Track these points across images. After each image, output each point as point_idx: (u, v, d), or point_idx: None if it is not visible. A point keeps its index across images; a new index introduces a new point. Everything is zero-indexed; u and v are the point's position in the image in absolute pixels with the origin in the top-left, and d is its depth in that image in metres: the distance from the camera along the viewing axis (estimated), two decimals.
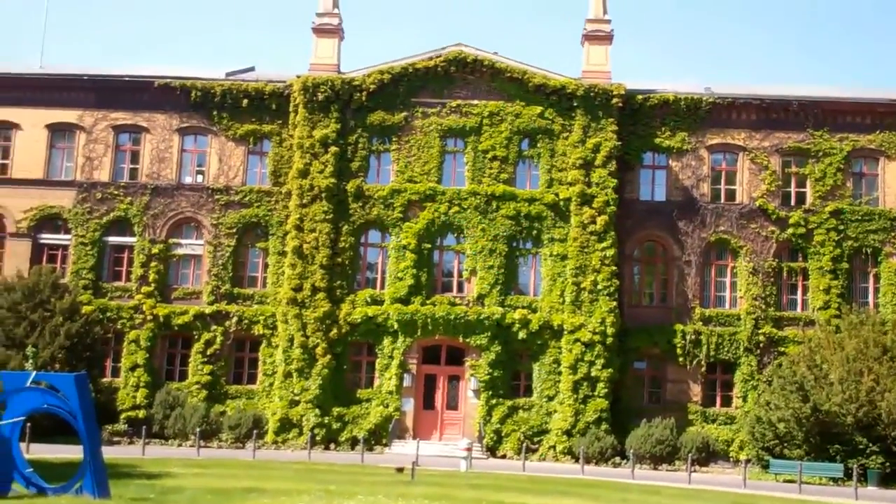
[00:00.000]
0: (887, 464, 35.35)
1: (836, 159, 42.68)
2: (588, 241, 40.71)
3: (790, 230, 42.18)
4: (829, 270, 41.75)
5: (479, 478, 30.48)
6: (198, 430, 37.19)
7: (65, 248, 43.04)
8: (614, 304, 40.35)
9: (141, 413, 40.48)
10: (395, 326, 40.36)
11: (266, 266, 42.70)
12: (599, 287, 40.34)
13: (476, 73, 42.37)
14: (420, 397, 40.77)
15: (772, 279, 42.04)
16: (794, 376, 37.12)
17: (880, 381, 36.20)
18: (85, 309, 40.29)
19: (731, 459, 39.97)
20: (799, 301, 42.34)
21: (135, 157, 43.76)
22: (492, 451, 39.40)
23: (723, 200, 42.94)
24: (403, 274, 40.90)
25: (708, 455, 39.22)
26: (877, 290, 42.08)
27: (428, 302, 40.70)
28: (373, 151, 42.27)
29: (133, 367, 41.45)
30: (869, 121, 43.11)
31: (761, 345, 41.27)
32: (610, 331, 39.97)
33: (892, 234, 42.08)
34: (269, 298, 41.99)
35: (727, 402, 41.63)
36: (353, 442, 39.00)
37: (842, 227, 42.12)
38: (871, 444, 35.49)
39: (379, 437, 39.52)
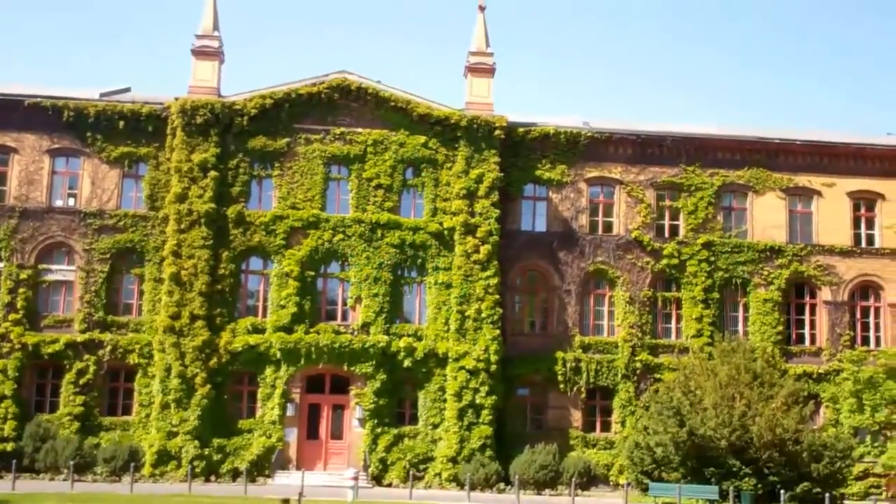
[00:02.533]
0: (759, 485, 37.12)
1: (707, 193, 45.56)
2: (472, 270, 42.25)
3: (664, 261, 44.75)
4: (702, 300, 44.45)
5: None
6: (71, 463, 36.63)
7: None
8: (498, 332, 41.91)
9: (10, 446, 39.56)
10: (278, 355, 40.89)
11: (142, 293, 42.52)
12: (483, 315, 41.85)
13: (360, 100, 43.53)
14: (304, 427, 41.34)
15: (647, 308, 44.47)
16: (670, 402, 38.94)
17: (751, 405, 38.25)
18: None
19: (612, 483, 42.00)
20: (673, 329, 44.89)
21: (2, 178, 42.97)
22: (377, 479, 40.25)
23: (601, 232, 45.19)
24: (286, 302, 41.48)
25: (589, 479, 40.92)
26: (746, 319, 45.01)
27: (312, 330, 41.38)
28: (254, 177, 42.85)
29: (0, 398, 40.47)
30: (738, 157, 46.19)
31: (638, 371, 43.56)
32: (494, 358, 41.45)
33: (760, 265, 45.05)
34: (145, 326, 41.80)
35: (607, 427, 43.70)
36: (235, 473, 39.30)
37: (713, 259, 44.92)
38: (744, 467, 37.18)
39: (262, 468, 39.81)
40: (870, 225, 46.50)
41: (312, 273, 42.22)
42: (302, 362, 40.98)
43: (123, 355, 41.60)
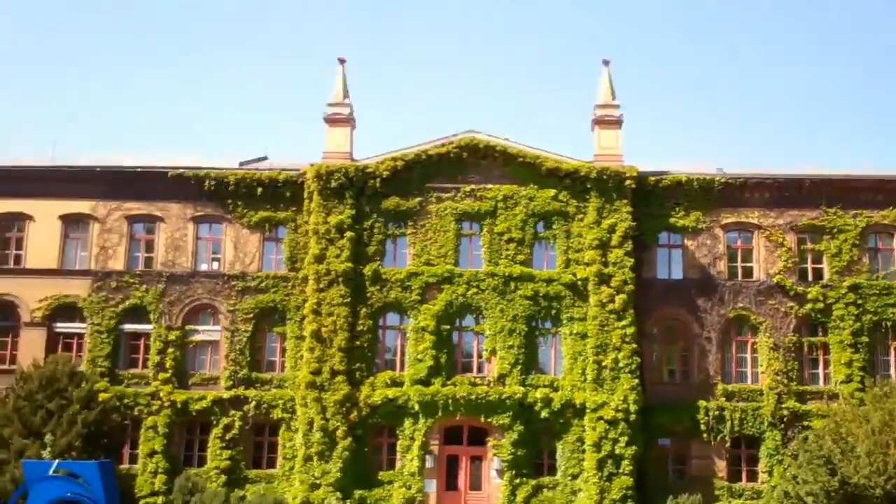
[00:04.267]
0: None
1: (850, 235, 45.46)
2: (607, 319, 43.19)
3: (809, 305, 44.69)
4: (850, 344, 44.09)
5: None
6: None
7: (80, 336, 45.30)
8: (636, 381, 42.54)
9: (160, 500, 42.30)
10: (416, 408, 42.47)
11: (284, 350, 44.98)
12: (621, 365, 42.63)
13: (489, 157, 45.29)
14: (443, 478, 42.65)
15: (793, 354, 44.39)
16: (820, 450, 38.68)
17: None
18: (102, 396, 42.06)
19: None
20: (821, 375, 44.60)
21: (149, 245, 46.37)
22: None
23: (740, 277, 45.50)
24: (423, 355, 43.16)
25: None
26: None
27: (448, 382, 42.86)
28: (389, 236, 44.96)
29: (151, 454, 43.39)
30: (881, 197, 45.98)
31: (785, 419, 43.37)
32: (633, 408, 42.05)
33: None
34: (287, 382, 44.17)
35: (753, 476, 43.49)
36: None
37: (860, 302, 44.62)
38: None
39: None
40: None
41: (448, 327, 43.83)
42: (440, 414, 42.42)
43: (267, 411, 43.94)
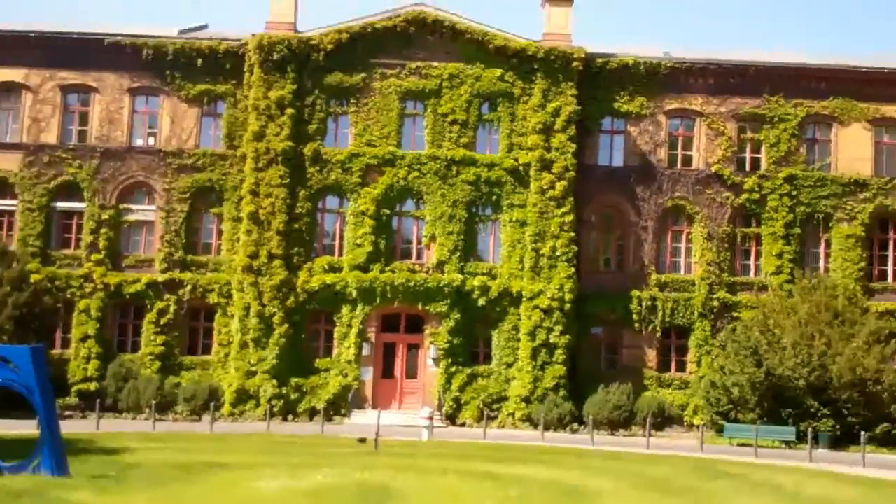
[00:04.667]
0: (837, 426, 36.03)
1: (790, 125, 42.90)
2: (547, 206, 40.52)
3: (744, 196, 42.44)
4: (782, 236, 42.17)
5: (442, 447, 30.63)
6: (153, 402, 36.24)
7: (10, 214, 41.50)
8: (572, 270, 40.32)
9: (93, 386, 39.52)
10: (354, 294, 39.96)
11: (221, 232, 41.80)
12: (558, 253, 40.25)
13: (436, 34, 41.61)
14: (379, 366, 40.61)
15: (726, 245, 42.38)
16: (748, 341, 37.58)
17: (832, 344, 36.99)
18: (33, 278, 38.98)
19: (686, 424, 40.56)
20: (752, 266, 42.78)
21: (83, 118, 42.24)
22: (451, 419, 39.47)
23: (679, 166, 43.01)
24: (362, 241, 40.38)
25: (663, 420, 39.51)
26: (828, 256, 42.66)
27: (387, 269, 40.31)
28: (330, 114, 41.46)
29: (84, 338, 40.38)
30: (824, 86, 43.28)
31: (715, 310, 41.67)
32: (568, 297, 39.97)
33: (844, 199, 42.50)
34: (223, 266, 41.17)
35: (682, 367, 42.11)
36: (312, 413, 38.69)
37: (795, 193, 42.45)
38: (822, 408, 36.17)
39: (338, 407, 39.16)
40: None
41: (388, 211, 40.98)
42: (377, 301, 40.02)
43: (203, 295, 41.08)
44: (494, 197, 41.12)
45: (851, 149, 42.97)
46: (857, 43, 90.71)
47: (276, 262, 39.71)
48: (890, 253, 42.99)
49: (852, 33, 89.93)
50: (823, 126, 43.46)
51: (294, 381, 39.35)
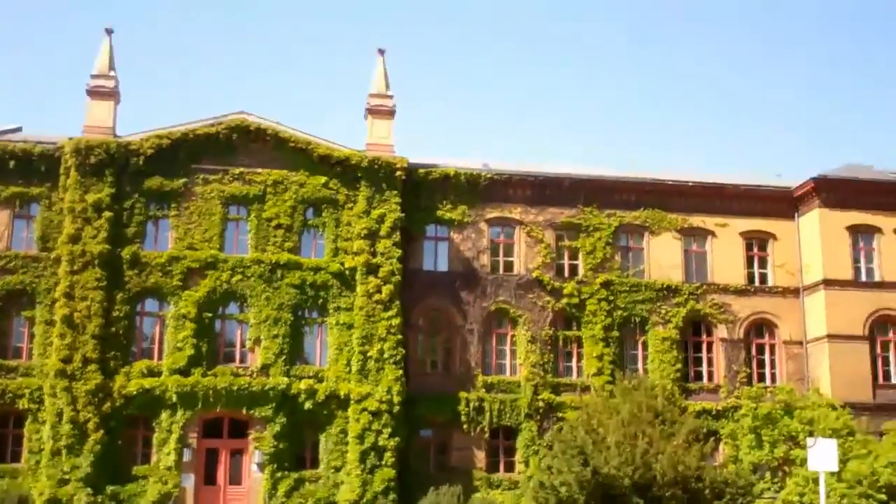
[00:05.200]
0: None
1: (604, 234, 45.27)
2: (374, 310, 41.02)
3: (564, 300, 44.16)
4: (602, 338, 43.88)
5: None
6: None
7: None
8: (400, 372, 40.59)
9: None
10: (174, 399, 38.93)
11: (32, 336, 40.21)
12: (386, 356, 40.57)
13: (259, 141, 42.23)
14: (201, 473, 39.29)
15: (549, 347, 43.73)
16: (574, 440, 38.09)
17: (654, 443, 37.68)
18: None
19: None
20: (574, 368, 44.18)
21: None
22: None
23: (502, 271, 44.49)
24: (183, 344, 39.64)
25: None
26: (645, 357, 44.57)
27: (209, 373, 39.57)
28: (150, 217, 41.13)
29: None
30: (634, 198, 46.05)
31: (541, 410, 42.61)
32: (396, 399, 40.11)
33: (658, 304, 44.76)
34: (35, 370, 39.46)
35: (511, 467, 42.56)
36: None
37: (612, 298, 44.47)
38: None
39: None
40: (763, 264, 46.67)
41: (210, 314, 40.47)
42: (199, 406, 39.09)
43: (13, 400, 39.19)
44: (321, 300, 41.35)
45: (663, 256, 45.60)
46: (663, 158, 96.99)
47: (92, 367, 38.39)
48: (703, 354, 45.34)
49: (658, 148, 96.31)
50: (636, 235, 46.04)
51: (110, 489, 37.51)
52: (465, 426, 42.09)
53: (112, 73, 42.34)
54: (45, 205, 41.11)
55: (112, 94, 42.10)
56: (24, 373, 39.70)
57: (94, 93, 41.92)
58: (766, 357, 45.78)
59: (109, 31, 42.94)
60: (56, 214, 40.82)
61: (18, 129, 44.26)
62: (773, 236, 46.75)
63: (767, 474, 41.38)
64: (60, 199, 40.75)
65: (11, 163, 41.04)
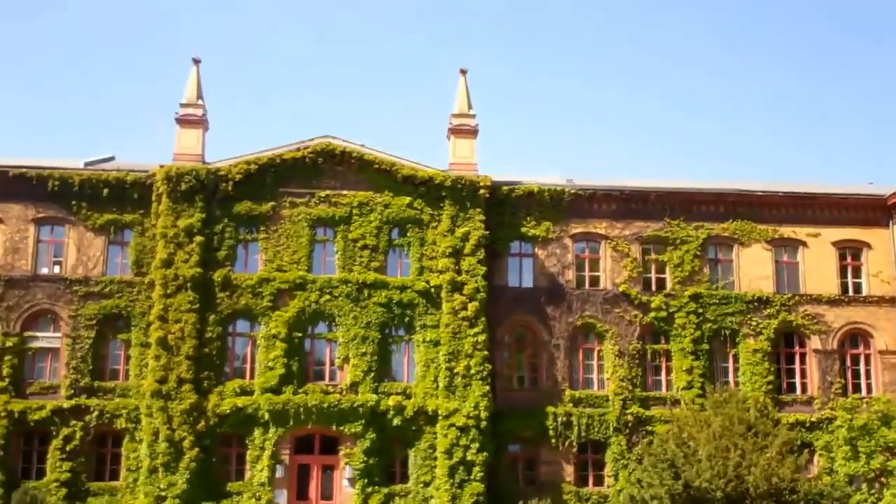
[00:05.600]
0: None
1: (692, 246, 45.24)
2: (460, 327, 41.68)
3: (652, 314, 44.23)
4: (691, 352, 43.81)
5: None
6: None
7: None
8: (487, 388, 41.15)
9: None
10: (266, 417, 40.08)
11: (129, 358, 41.85)
12: (472, 372, 41.18)
13: (344, 164, 43.40)
14: (293, 489, 40.34)
15: (637, 361, 43.81)
16: (664, 454, 38.09)
17: (746, 456, 37.43)
18: None
19: None
20: (663, 381, 44.14)
21: None
22: None
23: (587, 286, 44.75)
24: (274, 363, 40.82)
25: None
26: (736, 370, 44.32)
27: (300, 391, 40.65)
28: (240, 241, 42.52)
29: None
30: (722, 210, 45.96)
31: (630, 424, 42.72)
32: (484, 415, 40.64)
33: (748, 316, 44.48)
34: (132, 391, 41.08)
35: (600, 481, 42.68)
36: None
37: (701, 311, 44.37)
38: None
39: None
40: (856, 273, 46.08)
41: (300, 334, 41.61)
42: (290, 423, 40.16)
43: (111, 421, 40.81)
44: (407, 318, 42.16)
45: (753, 268, 45.37)
46: (751, 168, 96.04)
47: (186, 387, 39.81)
48: (796, 366, 44.89)
49: (746, 159, 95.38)
50: (724, 247, 45.87)
51: None
52: (553, 441, 42.38)
53: (200, 102, 44.02)
54: (139, 231, 42.85)
55: (200, 122, 43.78)
56: (120, 393, 41.31)
57: (183, 121, 43.64)
58: (861, 368, 45.11)
59: (197, 61, 44.69)
60: (149, 240, 42.52)
61: (111, 159, 46.30)
62: (867, 245, 46.17)
63: (864, 486, 40.98)
64: (153, 224, 42.44)
65: (105, 191, 42.89)
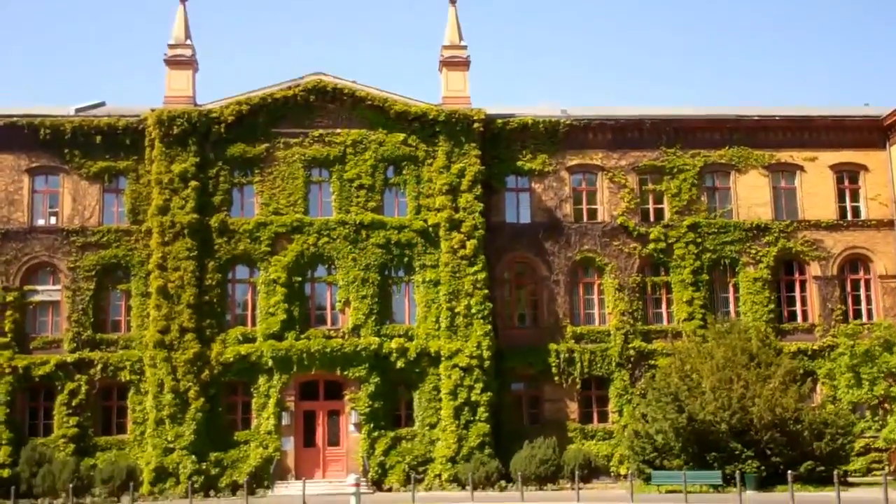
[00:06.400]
0: (763, 468, 36.72)
1: (689, 175, 45.01)
2: (459, 265, 41.68)
3: (651, 245, 44.20)
4: (691, 283, 43.90)
5: None
6: (69, 486, 35.92)
7: None
8: (489, 327, 41.32)
9: (6, 472, 38.84)
10: (270, 363, 40.27)
11: (129, 309, 41.80)
12: (473, 311, 41.30)
13: (337, 101, 42.88)
14: (300, 435, 40.73)
15: (637, 294, 43.94)
16: (668, 387, 38.46)
17: (749, 386, 37.80)
18: None
19: (613, 474, 41.61)
20: (664, 314, 44.34)
21: None
22: (377, 484, 39.77)
23: (585, 220, 44.64)
24: (275, 309, 40.84)
25: (590, 471, 40.45)
26: (737, 300, 44.49)
27: (302, 336, 40.76)
28: (235, 184, 42.20)
29: None
30: (718, 136, 45.62)
31: (632, 359, 43.05)
32: (486, 354, 40.90)
33: (747, 244, 44.51)
34: (134, 342, 41.12)
35: (604, 417, 43.17)
36: (234, 487, 38.74)
37: (700, 241, 44.36)
38: (745, 450, 36.85)
39: (260, 479, 39.14)
40: (854, 197, 46.04)
41: (299, 278, 41.57)
42: (294, 369, 40.36)
43: (115, 373, 40.94)
44: (406, 259, 42.12)
45: (751, 195, 45.22)
46: (746, 93, 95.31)
47: (189, 336, 39.88)
48: (797, 294, 45.07)
49: (740, 84, 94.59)
50: (722, 174, 45.65)
51: (214, 455, 39.26)
52: (556, 378, 42.70)
53: (188, 42, 43.35)
54: (133, 178, 42.44)
55: (190, 63, 43.13)
56: (123, 345, 41.35)
57: (172, 62, 43.01)
58: (862, 293, 45.33)
59: (183, 0, 43.63)
60: (144, 187, 42.16)
61: (102, 104, 45.67)
62: (865, 168, 46.02)
63: (867, 413, 41.32)
64: (147, 171, 42.01)
65: (97, 138, 42.39)
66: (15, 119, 42.15)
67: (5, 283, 41.26)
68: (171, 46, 43.15)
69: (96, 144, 42.34)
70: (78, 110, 43.70)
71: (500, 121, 44.10)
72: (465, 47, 44.42)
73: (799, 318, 44.80)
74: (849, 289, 45.40)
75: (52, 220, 42.50)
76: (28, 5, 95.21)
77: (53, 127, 42.12)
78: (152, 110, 41.76)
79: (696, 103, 49.25)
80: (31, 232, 42.06)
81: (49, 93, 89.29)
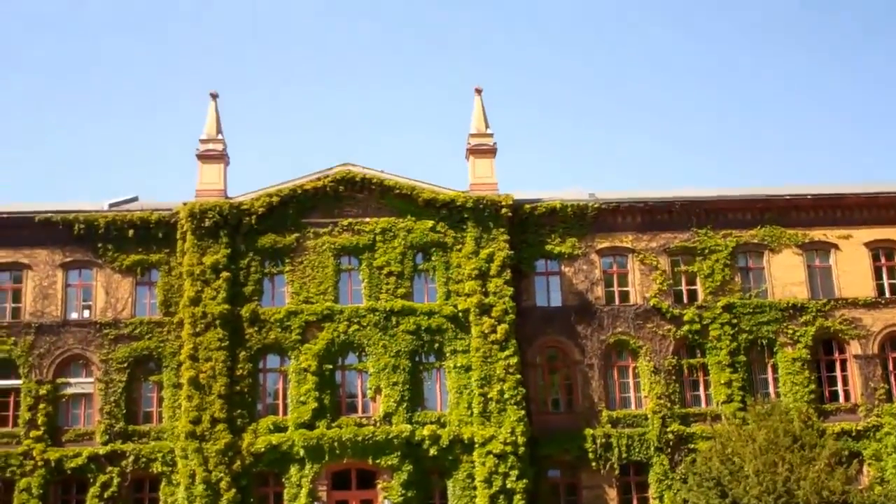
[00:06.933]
0: None
1: (722, 255, 44.72)
2: (490, 350, 41.42)
3: (686, 327, 43.73)
4: (728, 364, 43.22)
5: None
6: None
7: None
8: (523, 412, 40.77)
9: None
10: (301, 453, 39.92)
11: (161, 400, 41.92)
12: (506, 396, 40.85)
13: (365, 191, 43.35)
14: None
15: (673, 377, 43.32)
16: (709, 472, 37.50)
17: (794, 469, 36.78)
18: None
19: None
20: (702, 396, 43.64)
21: (16, 295, 42.90)
22: None
23: (617, 302, 44.32)
24: (306, 397, 40.70)
25: None
26: (776, 380, 43.75)
27: (333, 425, 40.45)
28: (266, 274, 42.52)
29: None
30: (749, 217, 45.46)
31: (671, 443, 42.17)
32: (521, 440, 40.25)
33: (784, 324, 43.91)
34: (166, 434, 41.12)
35: (644, 503, 42.29)
36: None
37: (735, 321, 43.82)
38: None
39: None
40: (892, 274, 45.41)
41: (330, 366, 41.48)
42: (326, 458, 39.96)
43: (147, 465, 40.87)
44: (437, 344, 41.95)
45: (785, 274, 44.76)
46: (776, 173, 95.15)
47: (220, 426, 39.76)
48: (837, 373, 44.26)
49: (770, 163, 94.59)
50: (755, 254, 45.31)
51: None
52: (593, 464, 41.91)
53: (220, 137, 44.19)
54: (165, 270, 42.97)
55: (221, 157, 43.93)
56: (155, 437, 41.37)
57: (203, 157, 43.81)
58: None
59: (214, 96, 44.83)
60: (176, 279, 42.63)
61: (135, 199, 46.55)
62: None
63: None
64: (179, 263, 42.56)
65: (130, 232, 43.08)
66: (50, 215, 42.97)
67: (39, 377, 41.60)
68: (203, 141, 44.02)
69: (129, 238, 43.03)
70: (111, 205, 44.57)
71: (527, 205, 44.28)
72: (491, 135, 44.92)
73: (841, 398, 43.89)
74: (891, 367, 44.46)
75: (86, 313, 43.00)
76: (64, 108, 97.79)
77: (87, 222, 42.93)
78: (184, 204, 42.43)
79: (725, 183, 49.13)
80: (64, 325, 42.54)
81: (84, 189, 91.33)
